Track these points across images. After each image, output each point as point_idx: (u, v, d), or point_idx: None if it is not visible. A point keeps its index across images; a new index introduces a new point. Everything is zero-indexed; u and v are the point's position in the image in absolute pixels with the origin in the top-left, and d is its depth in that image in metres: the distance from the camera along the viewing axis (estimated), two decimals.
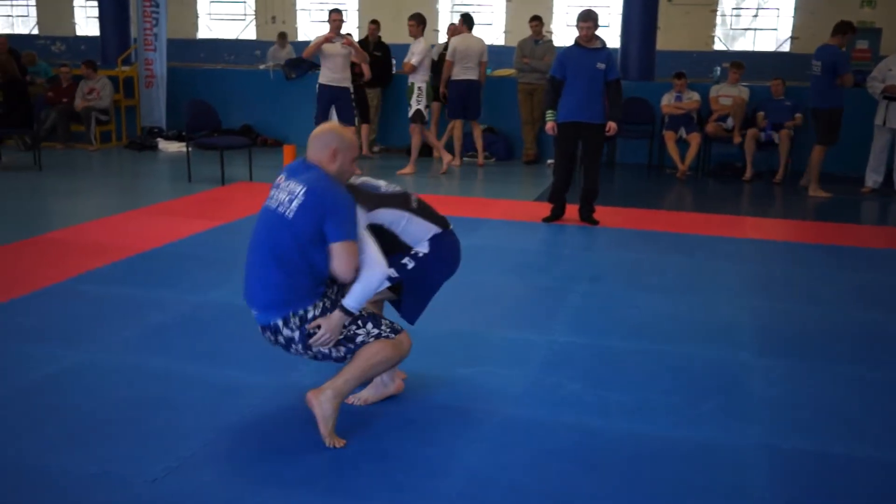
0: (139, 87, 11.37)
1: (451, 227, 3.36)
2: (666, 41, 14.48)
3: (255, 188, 8.14)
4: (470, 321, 4.40)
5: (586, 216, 6.78)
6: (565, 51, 6.68)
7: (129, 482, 2.74)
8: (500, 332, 4.25)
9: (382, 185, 3.28)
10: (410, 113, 9.17)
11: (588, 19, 6.48)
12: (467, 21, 9.74)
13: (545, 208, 7.48)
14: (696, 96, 9.58)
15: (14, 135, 10.00)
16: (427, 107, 9.19)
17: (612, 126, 6.51)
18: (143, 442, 3.00)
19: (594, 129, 6.56)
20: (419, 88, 9.07)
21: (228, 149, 8.65)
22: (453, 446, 3.05)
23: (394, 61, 10.91)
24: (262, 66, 12.35)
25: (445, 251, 3.29)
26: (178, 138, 10.72)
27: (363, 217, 3.06)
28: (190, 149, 8.86)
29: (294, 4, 20.12)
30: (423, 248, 3.23)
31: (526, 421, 3.27)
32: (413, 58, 8.98)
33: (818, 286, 5.23)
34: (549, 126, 6.64)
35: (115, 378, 3.56)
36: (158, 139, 10.87)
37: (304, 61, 9.62)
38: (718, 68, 11.89)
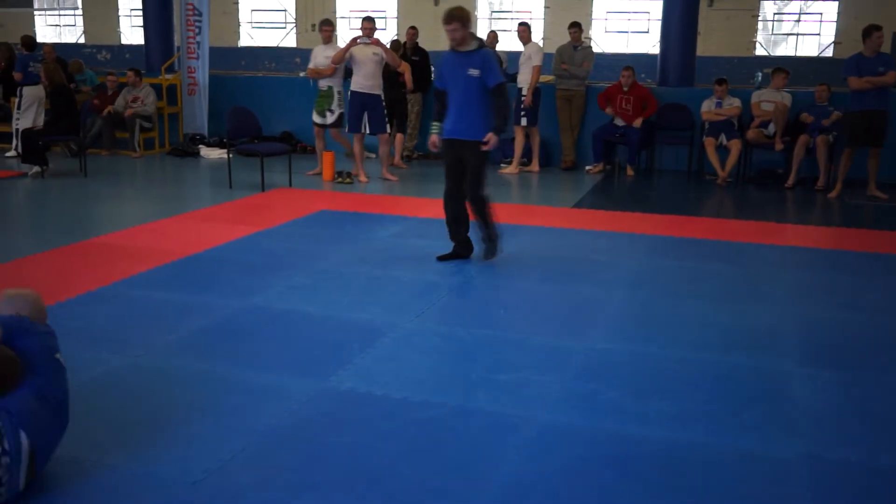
0: (182, 95, 11.55)
1: None
2: (706, 47, 14.36)
3: (295, 194, 8.22)
4: (508, 327, 4.40)
5: (485, 253, 5.68)
6: (441, 57, 5.70)
7: (171, 483, 2.78)
8: (537, 338, 4.24)
9: None
10: (333, 118, 9.00)
11: (452, 20, 5.32)
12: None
13: (584, 215, 7.46)
14: (736, 102, 9.47)
15: (61, 141, 10.21)
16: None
17: (489, 139, 5.38)
18: (184, 444, 3.04)
19: (471, 148, 5.46)
20: (339, 93, 9.02)
21: (269, 155, 8.75)
22: (491, 453, 3.05)
23: (434, 68, 10.94)
24: (302, 74, 12.47)
25: None
26: (220, 145, 10.87)
27: None
28: (231, 155, 8.97)
29: (334, 12, 20.29)
30: None
31: (564, 428, 3.26)
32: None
33: (863, 294, 5.13)
34: (431, 140, 5.75)
35: (158, 381, 3.62)
36: (200, 146, 11.03)
37: (344, 69, 9.69)
38: (760, 74, 11.75)
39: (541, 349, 4.09)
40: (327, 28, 9.08)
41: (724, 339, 4.26)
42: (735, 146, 9.26)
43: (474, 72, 5.36)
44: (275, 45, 21.29)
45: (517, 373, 3.78)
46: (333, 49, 8.94)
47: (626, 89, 9.73)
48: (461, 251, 5.70)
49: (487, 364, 3.87)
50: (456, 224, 5.68)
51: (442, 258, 5.66)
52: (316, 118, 9.14)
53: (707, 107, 9.53)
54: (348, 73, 9.16)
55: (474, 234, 5.71)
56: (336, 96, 8.98)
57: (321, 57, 8.98)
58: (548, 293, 5.06)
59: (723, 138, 9.38)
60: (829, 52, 18.36)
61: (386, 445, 3.07)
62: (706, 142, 9.43)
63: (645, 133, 9.79)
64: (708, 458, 3.03)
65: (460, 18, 5.33)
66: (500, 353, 4.02)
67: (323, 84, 9.00)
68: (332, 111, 9.01)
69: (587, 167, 10.06)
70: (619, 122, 9.76)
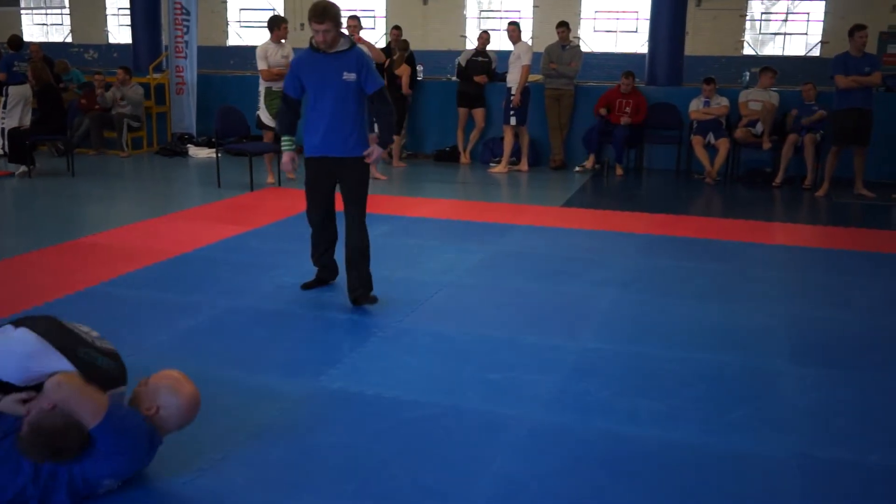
0: (170, 94, 11.50)
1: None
2: (694, 46, 14.38)
3: (284, 193, 8.19)
4: (499, 326, 4.40)
5: (359, 294, 4.67)
6: (298, 58, 4.72)
7: (161, 483, 2.76)
8: (529, 337, 4.24)
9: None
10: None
11: (324, 18, 4.38)
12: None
13: (573, 214, 7.48)
14: (724, 101, 9.50)
15: (48, 141, 10.15)
16: None
17: (375, 151, 4.66)
18: (175, 444, 3.02)
19: (350, 166, 4.63)
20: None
21: (257, 154, 8.71)
22: (483, 451, 3.05)
23: (420, 67, 10.93)
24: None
25: None
26: (208, 144, 10.83)
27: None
28: (219, 155, 8.94)
29: None
30: None
31: (555, 427, 3.26)
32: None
33: (852, 293, 5.16)
34: (286, 158, 4.77)
35: None
36: (189, 145, 10.99)
37: None
38: (748, 73, 11.80)
39: (532, 348, 4.09)
40: (284, 25, 8.50)
41: (714, 338, 4.28)
42: (723, 145, 9.29)
43: (350, 76, 4.52)
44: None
45: (508, 372, 3.78)
46: (287, 49, 8.49)
47: (625, 92, 9.77)
48: (327, 276, 4.99)
49: (479, 363, 3.87)
50: (322, 246, 4.90)
51: (307, 286, 4.94)
52: (269, 122, 8.44)
53: (695, 106, 9.56)
54: None
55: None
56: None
57: (277, 57, 8.41)
58: (538, 292, 5.06)
59: (711, 137, 9.41)
60: (816, 52, 18.45)
61: (377, 445, 3.07)
62: (694, 140, 9.46)
63: (634, 132, 9.81)
64: (699, 457, 3.04)
65: (333, 17, 4.43)
66: (492, 353, 4.01)
67: (278, 86, 8.24)
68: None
69: (576, 167, 10.07)
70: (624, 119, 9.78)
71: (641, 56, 11.74)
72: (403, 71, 9.78)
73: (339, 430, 3.19)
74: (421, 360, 3.92)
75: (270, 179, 8.76)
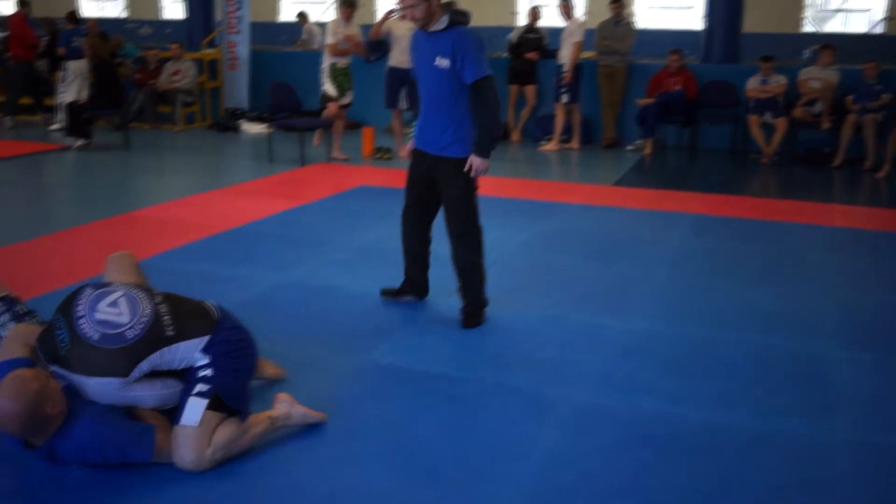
0: (223, 70, 11.62)
1: (217, 316, 3.00)
2: (752, 23, 14.02)
3: (334, 169, 8.24)
4: (548, 305, 4.38)
5: (465, 318, 4.07)
6: (412, 36, 4.05)
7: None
8: (577, 316, 4.22)
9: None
10: (352, 98, 8.74)
11: None
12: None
13: (625, 193, 7.39)
14: (782, 80, 9.27)
15: (105, 115, 10.34)
16: None
17: (473, 163, 3.85)
18: None
19: (445, 170, 3.95)
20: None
21: (308, 130, 8.76)
22: (528, 430, 3.05)
23: None
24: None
25: (226, 353, 2.92)
26: (260, 119, 10.93)
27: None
28: (271, 130, 9.02)
29: None
30: (202, 361, 2.85)
31: (602, 407, 3.24)
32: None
33: None
34: (405, 150, 4.21)
35: None
36: (241, 120, 11.10)
37: (384, 43, 9.62)
38: (808, 51, 11.51)
39: (580, 327, 4.07)
40: (347, 10, 8.50)
41: (765, 321, 4.20)
42: (781, 124, 9.08)
43: (443, 62, 3.75)
44: (316, 20, 21.31)
45: (556, 350, 3.77)
46: (353, 29, 8.52)
47: (674, 70, 9.62)
48: (410, 289, 4.32)
49: (525, 342, 3.87)
50: (413, 252, 4.23)
51: (387, 294, 4.35)
52: (335, 93, 8.58)
53: (752, 84, 9.35)
54: (373, 48, 9.00)
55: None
56: (351, 76, 8.72)
57: (340, 35, 8.47)
58: (588, 271, 5.03)
59: (768, 116, 9.20)
60: (879, 29, 17.89)
61: (425, 419, 3.09)
62: (750, 120, 9.26)
63: (687, 110, 9.62)
64: (746, 440, 3.00)
65: None
66: (539, 331, 4.00)
67: (343, 62, 8.58)
68: (351, 91, 8.70)
69: (628, 146, 9.94)
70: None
71: (696, 33, 11.49)
72: None
73: (389, 405, 3.22)
74: (469, 337, 3.93)
75: (316, 142, 8.93)
